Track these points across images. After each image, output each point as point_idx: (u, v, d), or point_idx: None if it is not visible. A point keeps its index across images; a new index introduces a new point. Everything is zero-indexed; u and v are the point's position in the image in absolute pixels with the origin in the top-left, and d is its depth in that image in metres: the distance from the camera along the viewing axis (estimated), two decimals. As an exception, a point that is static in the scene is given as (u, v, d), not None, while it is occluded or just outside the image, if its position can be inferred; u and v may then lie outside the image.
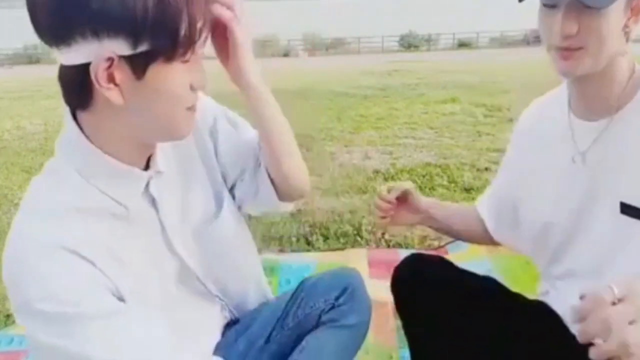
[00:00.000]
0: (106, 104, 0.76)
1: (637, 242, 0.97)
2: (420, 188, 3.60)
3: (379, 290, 1.82)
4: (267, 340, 1.14)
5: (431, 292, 1.13)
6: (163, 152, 0.93)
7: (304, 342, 1.12)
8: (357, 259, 2.26)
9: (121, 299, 0.80)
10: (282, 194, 1.12)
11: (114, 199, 0.84)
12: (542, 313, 1.15)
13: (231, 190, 1.13)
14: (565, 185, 1.09)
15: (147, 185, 0.90)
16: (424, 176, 3.89)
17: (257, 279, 1.22)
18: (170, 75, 0.76)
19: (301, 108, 7.76)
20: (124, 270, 0.82)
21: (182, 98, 0.80)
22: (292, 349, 1.13)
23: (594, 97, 1.02)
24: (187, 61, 0.78)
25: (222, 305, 1.14)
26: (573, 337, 1.10)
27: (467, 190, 3.50)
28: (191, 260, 1.01)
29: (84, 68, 0.73)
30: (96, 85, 0.73)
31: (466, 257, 2.17)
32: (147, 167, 0.90)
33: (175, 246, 0.97)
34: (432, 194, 3.46)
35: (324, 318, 1.14)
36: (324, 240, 2.74)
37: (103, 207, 0.82)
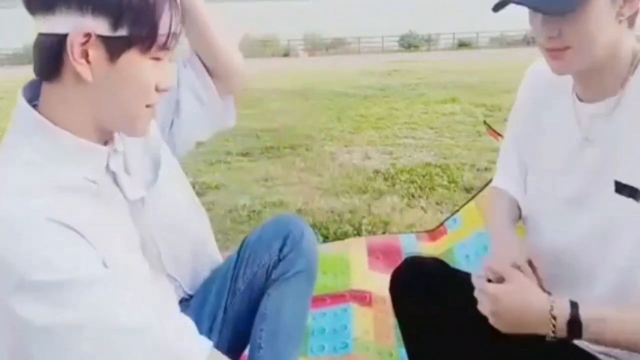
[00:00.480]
0: (74, 79, 0.78)
1: (632, 223, 0.96)
2: (420, 188, 3.61)
3: (379, 285, 1.83)
4: (225, 310, 1.15)
5: (429, 296, 1.14)
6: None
7: (262, 309, 1.13)
8: (356, 248, 2.25)
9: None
10: (220, 82, 1.16)
11: (84, 175, 0.83)
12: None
13: (171, 128, 1.15)
14: (568, 168, 1.07)
15: (107, 164, 0.89)
16: (424, 176, 3.89)
17: (210, 252, 1.21)
18: (139, 68, 0.79)
19: (301, 108, 7.76)
20: (106, 243, 0.81)
21: (145, 93, 0.82)
22: (248, 311, 1.14)
23: (596, 86, 1.01)
24: (158, 59, 0.81)
25: (176, 285, 1.13)
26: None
27: (467, 190, 3.50)
28: (154, 234, 1.01)
29: (62, 39, 0.75)
30: (70, 58, 0.75)
31: (465, 233, 2.17)
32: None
33: (140, 221, 0.97)
34: (432, 194, 3.46)
35: (273, 275, 1.15)
36: (324, 240, 2.74)
37: (76, 183, 0.81)
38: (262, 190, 3.72)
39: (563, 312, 0.93)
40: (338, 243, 2.44)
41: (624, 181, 0.97)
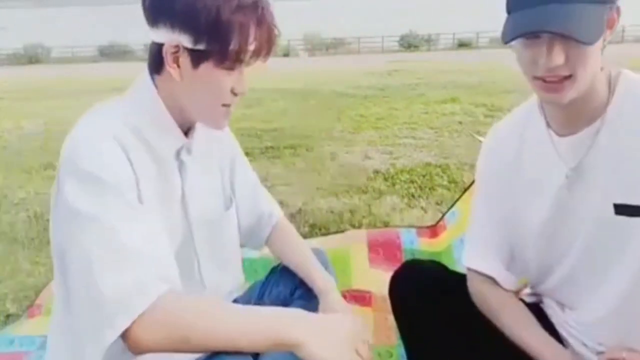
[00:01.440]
0: (170, 76, 0.98)
1: (637, 239, 0.97)
2: (420, 188, 3.61)
3: (379, 284, 1.82)
4: None
5: (427, 298, 1.14)
6: (197, 141, 1.09)
7: None
8: (357, 242, 2.25)
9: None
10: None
11: (160, 146, 1.01)
12: (537, 317, 1.14)
13: None
14: (563, 204, 1.06)
15: (179, 153, 1.05)
16: (424, 176, 3.89)
17: (241, 282, 1.28)
18: (215, 76, 0.97)
19: (301, 108, 7.77)
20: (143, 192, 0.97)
21: (220, 95, 0.99)
22: None
23: (578, 116, 1.00)
24: (232, 69, 0.97)
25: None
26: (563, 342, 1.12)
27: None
28: (198, 239, 1.10)
29: (162, 46, 0.96)
30: (165, 62, 0.96)
31: (463, 227, 2.14)
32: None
33: (189, 217, 1.07)
34: (432, 194, 3.46)
35: (296, 295, 1.26)
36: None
37: (152, 144, 0.99)
38: (262, 190, 3.71)
39: None
40: (339, 236, 2.42)
41: (625, 202, 0.97)
